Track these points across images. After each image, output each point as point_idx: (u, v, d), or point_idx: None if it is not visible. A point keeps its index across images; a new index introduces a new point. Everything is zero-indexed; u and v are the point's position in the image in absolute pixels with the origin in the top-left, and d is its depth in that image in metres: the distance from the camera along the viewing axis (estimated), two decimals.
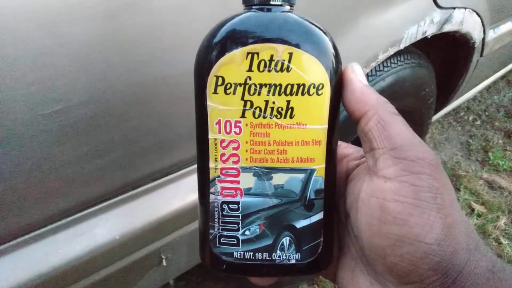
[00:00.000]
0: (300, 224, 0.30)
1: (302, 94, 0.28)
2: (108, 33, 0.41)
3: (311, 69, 0.27)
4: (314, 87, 0.28)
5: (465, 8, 0.95)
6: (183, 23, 0.46)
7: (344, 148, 0.34)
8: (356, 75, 0.29)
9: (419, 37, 0.85)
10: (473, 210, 1.52)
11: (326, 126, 0.29)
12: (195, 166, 0.59)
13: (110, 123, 0.46)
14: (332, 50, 0.28)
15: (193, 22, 0.47)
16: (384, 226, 0.25)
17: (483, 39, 1.11)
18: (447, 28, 0.92)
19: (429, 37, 0.88)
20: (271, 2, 0.28)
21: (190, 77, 0.52)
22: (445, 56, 1.15)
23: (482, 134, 1.93)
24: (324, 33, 0.28)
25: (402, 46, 0.82)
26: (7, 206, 0.42)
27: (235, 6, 0.30)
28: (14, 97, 0.38)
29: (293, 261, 0.30)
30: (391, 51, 0.81)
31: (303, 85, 0.27)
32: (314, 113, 0.28)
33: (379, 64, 0.86)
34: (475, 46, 1.09)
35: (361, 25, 0.72)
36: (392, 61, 0.91)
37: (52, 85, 0.39)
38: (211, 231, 0.30)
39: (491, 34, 1.16)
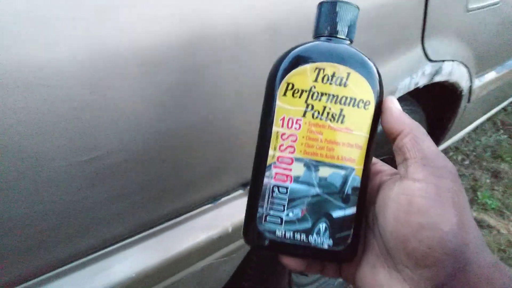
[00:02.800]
0: (336, 214, 0.34)
1: (353, 106, 0.34)
2: (140, 88, 0.46)
3: (362, 88, 0.34)
4: (363, 102, 0.34)
5: (453, 60, 1.03)
6: (203, 82, 0.51)
7: (381, 165, 0.39)
8: (394, 104, 0.35)
9: (412, 87, 0.91)
10: None
11: (368, 135, 0.34)
12: (207, 206, 0.63)
13: (135, 169, 0.50)
14: (378, 78, 0.35)
15: (210, 81, 0.52)
16: (409, 216, 0.30)
17: (470, 87, 1.19)
18: (437, 79, 0.99)
19: (421, 87, 0.95)
20: (337, 36, 0.35)
21: (202, 128, 0.58)
22: (435, 102, 1.23)
23: (470, 173, 2.00)
24: (374, 64, 0.35)
25: (396, 96, 0.88)
26: (37, 245, 0.45)
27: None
28: (56, 148, 0.42)
29: (325, 246, 0.34)
30: None
31: (355, 99, 0.34)
32: (360, 123, 0.34)
33: None
34: (463, 93, 1.17)
35: None
36: None
37: (89, 136, 0.44)
38: (259, 209, 0.34)
39: (477, 83, 1.24)
